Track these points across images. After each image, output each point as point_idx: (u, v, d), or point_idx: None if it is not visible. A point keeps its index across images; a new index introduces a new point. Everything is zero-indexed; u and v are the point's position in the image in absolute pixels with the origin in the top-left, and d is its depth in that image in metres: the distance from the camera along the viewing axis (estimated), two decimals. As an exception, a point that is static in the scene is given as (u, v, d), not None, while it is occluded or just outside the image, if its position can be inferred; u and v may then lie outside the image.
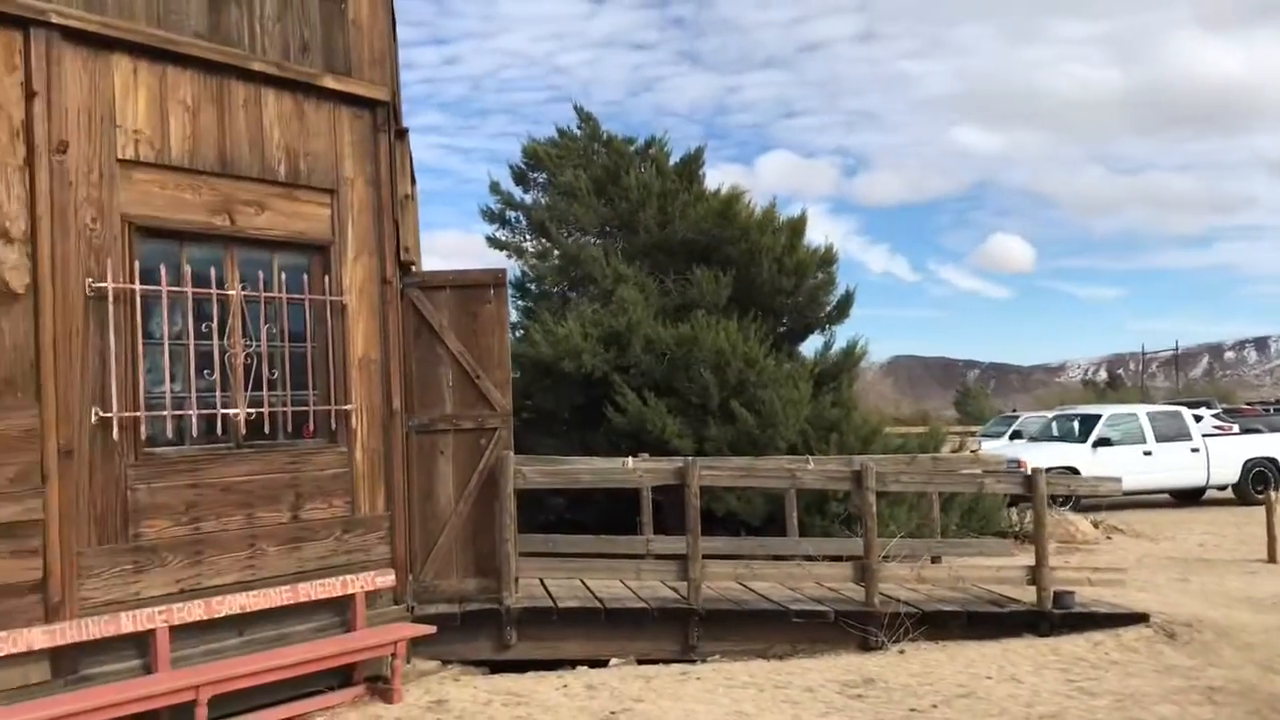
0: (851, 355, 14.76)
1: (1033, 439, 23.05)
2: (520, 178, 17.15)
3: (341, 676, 7.44)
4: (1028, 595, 9.14)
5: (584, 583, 9.42)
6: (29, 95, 6.24)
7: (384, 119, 8.19)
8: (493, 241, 16.81)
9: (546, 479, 9.31)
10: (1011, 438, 26.07)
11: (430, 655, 8.20)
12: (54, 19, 6.31)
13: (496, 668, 8.34)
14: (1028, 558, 9.70)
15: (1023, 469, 12.61)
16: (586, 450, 12.89)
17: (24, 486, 6.10)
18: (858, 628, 8.63)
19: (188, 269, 7.00)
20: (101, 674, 6.32)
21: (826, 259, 14.88)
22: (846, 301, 15.01)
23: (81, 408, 6.39)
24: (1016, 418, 31.07)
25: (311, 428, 7.70)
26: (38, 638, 5.98)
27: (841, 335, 17.44)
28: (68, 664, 6.20)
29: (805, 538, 10.69)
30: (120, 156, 6.65)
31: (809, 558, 9.78)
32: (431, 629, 7.80)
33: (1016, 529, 14.67)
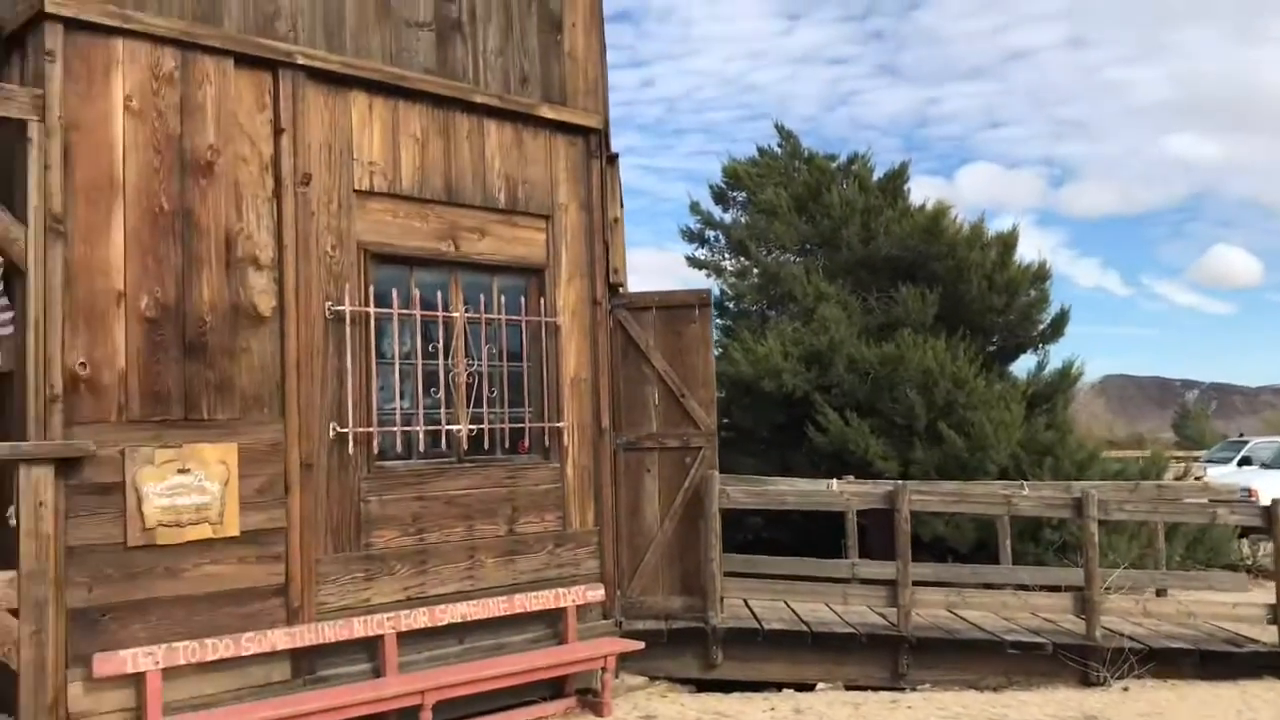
0: (1067, 376, 14.17)
1: (1265, 466, 21.50)
2: (720, 197, 17.28)
3: (553, 688, 7.64)
4: (1268, 635, 8.53)
5: (788, 604, 9.36)
6: (277, 132, 6.71)
7: (596, 145, 8.42)
8: (692, 261, 17.00)
9: (751, 499, 9.32)
10: (1240, 464, 24.36)
11: (637, 670, 8.32)
12: (300, 60, 6.77)
13: (702, 686, 8.39)
14: (1267, 595, 9.05)
15: (1254, 499, 11.79)
16: (786, 470, 12.83)
17: (269, 496, 6.54)
18: (1077, 662, 8.26)
19: (416, 292, 7.37)
20: (335, 675, 6.70)
21: (1039, 275, 14.36)
22: (1061, 320, 14.44)
23: (321, 423, 6.80)
24: (1245, 442, 29.01)
25: (526, 444, 7.96)
26: (280, 639, 6.39)
27: (1055, 355, 16.78)
28: (306, 665, 6.60)
29: (1019, 566, 10.31)
30: (357, 187, 7.07)
31: (1023, 587, 9.42)
32: (640, 644, 7.92)
33: (1249, 562, 13.72)
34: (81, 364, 5.88)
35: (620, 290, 8.77)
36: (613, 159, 8.71)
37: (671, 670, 8.44)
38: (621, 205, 9.00)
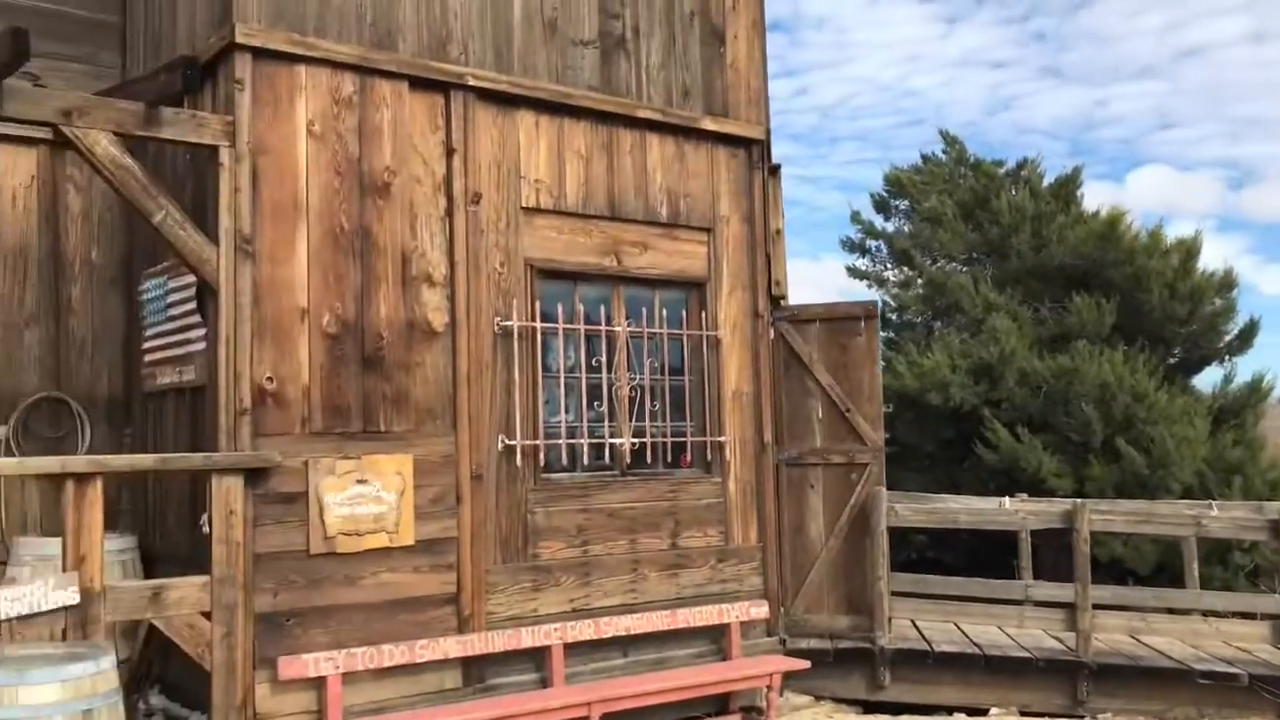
0: (1257, 390, 13.34)
1: None
2: (881, 205, 16.96)
3: (717, 704, 7.58)
4: None
5: (958, 626, 9.06)
6: (449, 152, 6.89)
7: (758, 157, 8.36)
8: (853, 271, 16.73)
9: (920, 517, 9.07)
10: None
11: (801, 690, 8.19)
12: (470, 81, 6.94)
13: (868, 708, 8.19)
14: None
15: None
16: (952, 487, 12.45)
17: (441, 507, 6.70)
18: (1276, 696, 7.71)
19: (580, 307, 7.45)
20: (504, 684, 6.80)
21: (1225, 283, 13.59)
22: (1250, 330, 13.62)
23: (490, 435, 6.93)
24: None
25: (688, 458, 7.94)
26: (452, 647, 6.53)
27: (1243, 367, 15.84)
28: (476, 673, 6.72)
29: (1206, 590, 9.72)
30: (524, 205, 7.20)
31: (1213, 613, 8.87)
32: (806, 663, 7.78)
33: None
34: (268, 378, 6.14)
35: (782, 303, 8.67)
36: (774, 170, 8.63)
37: (837, 691, 8.27)
38: (782, 216, 8.91)
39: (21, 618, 5.30)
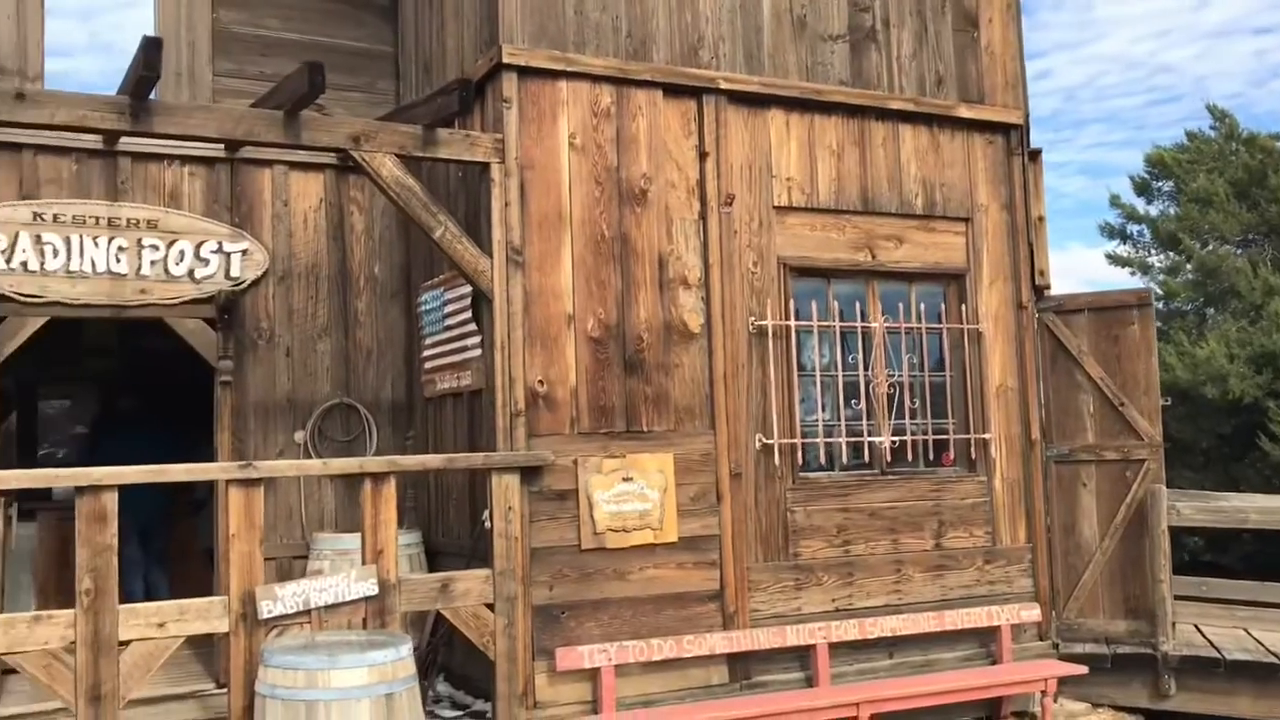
0: None
1: None
2: (1142, 188, 16.02)
3: (986, 709, 7.35)
4: None
5: (1249, 632, 8.41)
6: (701, 155, 7.00)
7: (1016, 142, 8.06)
8: (1113, 259, 15.87)
9: (1204, 517, 8.48)
10: None
11: (1076, 696, 7.82)
12: (722, 84, 7.03)
13: (1151, 716, 7.74)
14: None
15: None
16: (1231, 485, 11.61)
17: (703, 505, 6.80)
18: None
19: (834, 304, 7.40)
20: (769, 682, 6.84)
21: None
22: None
23: (747, 434, 6.99)
24: None
25: (951, 456, 7.73)
26: (719, 643, 6.62)
27: None
28: (742, 669, 6.79)
29: None
30: (776, 204, 7.22)
31: None
32: (1083, 669, 7.43)
33: None
34: (539, 381, 6.42)
35: (1046, 293, 8.32)
36: (1035, 154, 8.30)
37: (1115, 698, 7.84)
38: (1044, 202, 8.55)
39: (328, 607, 5.76)
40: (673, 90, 6.92)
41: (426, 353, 7.63)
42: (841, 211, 7.44)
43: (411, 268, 8.09)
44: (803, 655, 6.94)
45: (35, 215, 6.97)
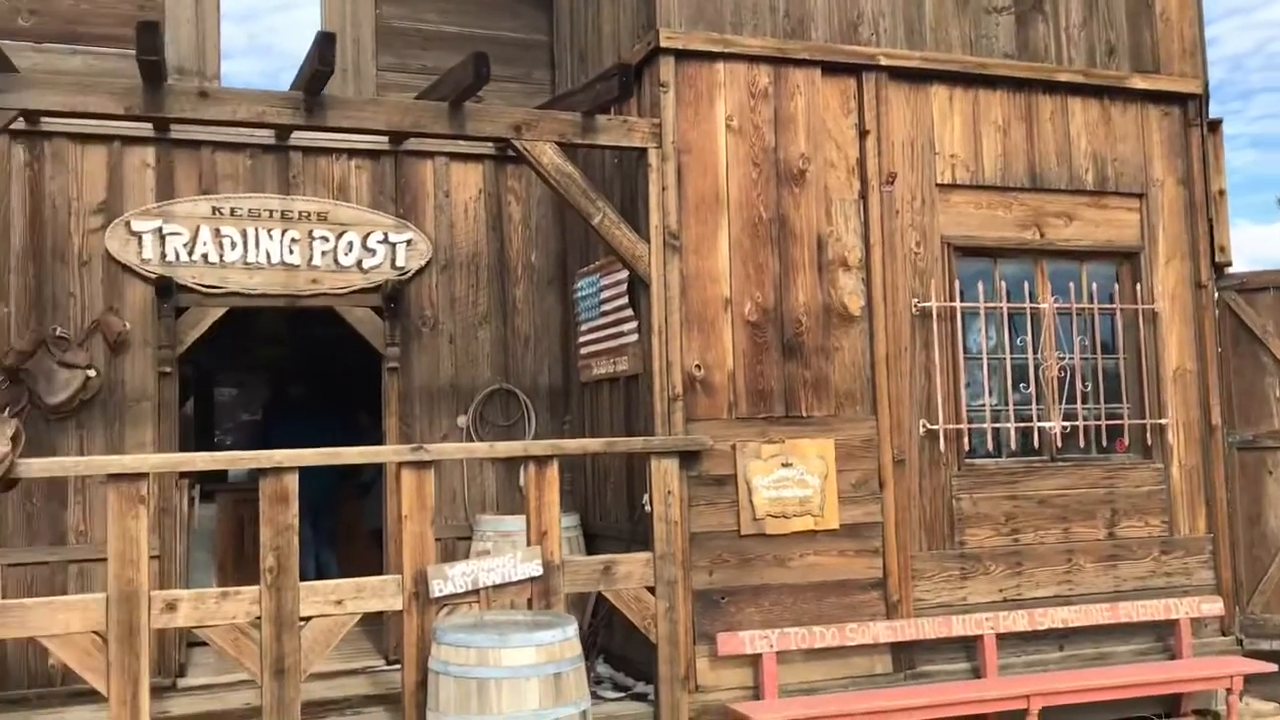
0: None
1: None
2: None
3: (1163, 706, 7.02)
4: None
5: None
6: (861, 134, 6.86)
7: (1194, 113, 7.65)
8: (1294, 234, 14.91)
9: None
10: None
11: (1263, 695, 7.41)
12: (882, 61, 6.87)
13: (1347, 721, 7.28)
14: None
15: None
16: None
17: (864, 491, 6.68)
18: None
19: (1001, 284, 7.17)
20: (934, 672, 6.68)
21: None
22: None
23: (910, 420, 6.83)
24: None
25: (1125, 442, 7.40)
26: (882, 632, 6.50)
27: None
28: (905, 659, 6.65)
29: None
30: (939, 181, 7.02)
31: None
32: (1271, 666, 7.03)
33: None
34: (696, 366, 6.40)
35: (1226, 271, 7.88)
36: (1214, 125, 7.85)
37: (1306, 699, 7.41)
38: (1224, 176, 8.09)
39: (495, 587, 5.87)
40: (831, 68, 6.80)
41: (582, 338, 7.70)
42: (1008, 189, 7.19)
43: (567, 255, 8.17)
44: (969, 646, 6.76)
45: (214, 209, 7.30)
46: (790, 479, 6.51)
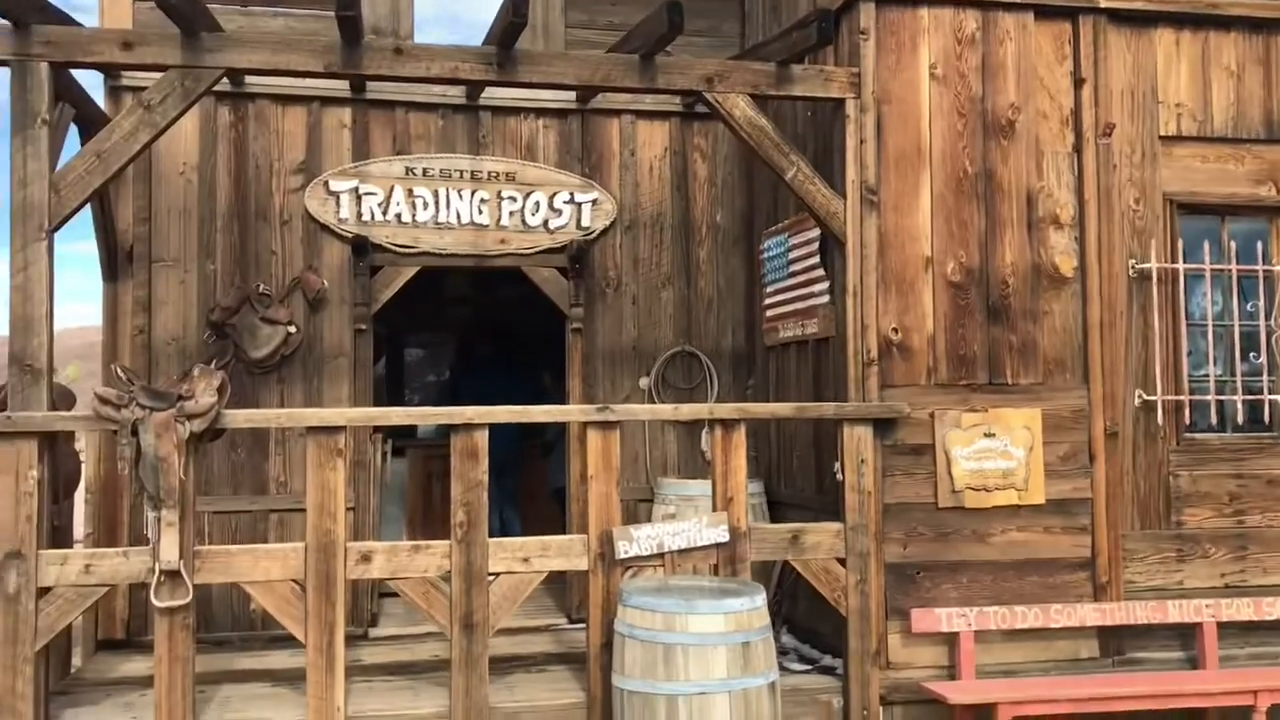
0: None
1: None
2: None
3: None
4: None
5: None
6: (1077, 83, 6.37)
7: None
8: None
9: None
10: None
11: None
12: (1101, 3, 6.35)
13: None
14: None
15: None
16: None
17: (1073, 465, 6.25)
18: None
19: (1230, 244, 6.58)
20: (1145, 660, 6.24)
21: None
22: None
23: (1125, 390, 6.36)
24: None
25: (1369, 420, 6.71)
26: (1089, 614, 6.09)
27: None
28: (1114, 644, 6.22)
29: None
30: (1162, 133, 6.48)
31: None
32: None
33: None
34: (894, 329, 6.10)
35: None
36: None
37: None
38: None
39: (680, 551, 5.75)
40: (1045, 12, 6.33)
41: (768, 300, 7.48)
42: (1240, 140, 6.58)
43: (754, 214, 7.94)
44: (1184, 633, 6.27)
45: (407, 170, 7.38)
46: (993, 450, 6.15)
